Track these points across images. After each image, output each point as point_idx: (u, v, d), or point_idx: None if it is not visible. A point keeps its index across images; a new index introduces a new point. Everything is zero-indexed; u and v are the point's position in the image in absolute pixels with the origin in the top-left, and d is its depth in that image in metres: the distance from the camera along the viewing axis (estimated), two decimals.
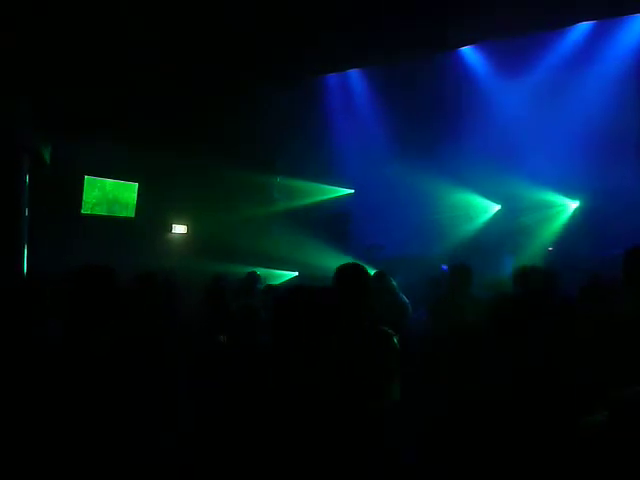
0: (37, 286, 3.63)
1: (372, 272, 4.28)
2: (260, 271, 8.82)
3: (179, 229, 10.44)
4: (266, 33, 7.39)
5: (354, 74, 10.62)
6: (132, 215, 9.64)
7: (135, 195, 9.64)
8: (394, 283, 5.10)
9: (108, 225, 9.17)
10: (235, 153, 9.47)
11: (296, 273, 9.87)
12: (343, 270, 2.73)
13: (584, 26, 8.45)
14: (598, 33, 8.34)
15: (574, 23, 8.38)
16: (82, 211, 9.06)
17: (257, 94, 9.54)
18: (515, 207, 9.13)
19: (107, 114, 8.03)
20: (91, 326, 2.14)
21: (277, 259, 9.62)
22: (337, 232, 10.29)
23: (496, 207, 9.54)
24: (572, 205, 8.83)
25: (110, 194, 9.39)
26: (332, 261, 8.85)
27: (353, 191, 10.86)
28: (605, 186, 8.15)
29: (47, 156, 7.92)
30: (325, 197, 10.85)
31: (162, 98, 8.50)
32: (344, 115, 10.56)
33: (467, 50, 9.42)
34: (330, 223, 10.51)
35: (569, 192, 8.72)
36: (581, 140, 8.16)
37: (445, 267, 8.22)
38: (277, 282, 8.85)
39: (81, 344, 2.11)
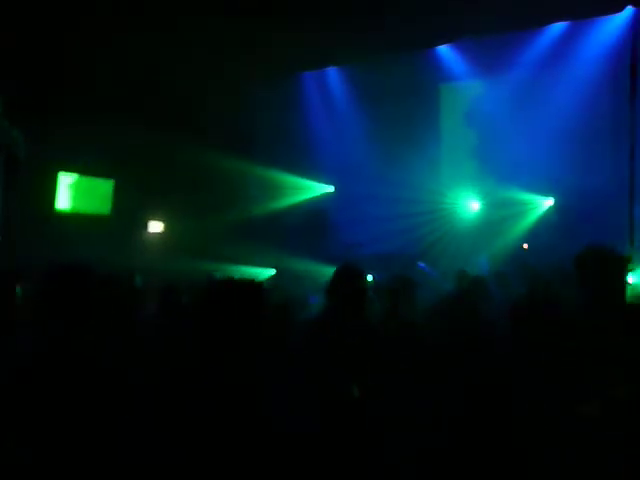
0: (11, 285, 3.57)
1: None
2: (237, 269, 8.80)
3: (155, 227, 10.33)
4: (249, 32, 7.39)
5: (331, 72, 10.63)
6: (108, 212, 9.51)
7: (111, 192, 9.51)
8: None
9: (83, 222, 9.03)
10: (213, 149, 9.40)
11: (273, 271, 9.85)
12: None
13: (559, 26, 8.57)
14: (572, 33, 8.46)
15: (548, 23, 8.50)
16: (55, 208, 8.91)
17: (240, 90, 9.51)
18: (491, 204, 9.23)
19: (82, 109, 7.91)
20: (73, 325, 2.11)
21: (254, 257, 9.58)
22: (315, 229, 10.28)
23: (475, 204, 9.61)
24: (546, 203, 8.94)
25: (85, 191, 9.25)
26: (310, 258, 8.87)
27: (333, 189, 10.87)
28: (579, 184, 8.28)
29: (22, 153, 7.76)
30: (305, 196, 10.85)
31: (138, 94, 8.41)
32: (323, 112, 10.56)
33: (444, 49, 9.48)
34: (308, 220, 10.49)
35: (544, 190, 8.83)
36: (556, 138, 8.27)
37: (422, 265, 8.29)
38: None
39: (65, 344, 2.08)
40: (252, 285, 2.05)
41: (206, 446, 1.80)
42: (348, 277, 2.76)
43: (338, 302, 2.67)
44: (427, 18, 7.61)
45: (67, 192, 9.05)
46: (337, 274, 2.78)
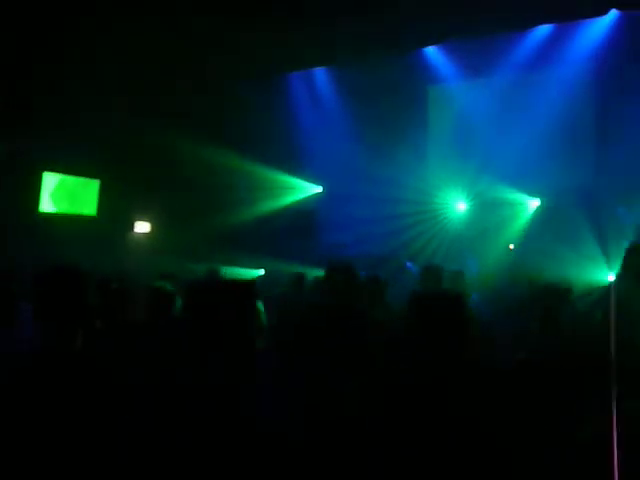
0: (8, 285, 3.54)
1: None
2: (225, 270, 8.75)
3: (142, 227, 10.24)
4: (237, 32, 7.37)
5: (319, 72, 10.64)
6: (94, 213, 9.43)
7: (97, 192, 9.43)
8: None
9: (68, 223, 8.94)
10: (200, 149, 9.35)
11: (262, 271, 9.82)
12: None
13: (544, 28, 8.66)
14: (558, 35, 8.56)
15: (534, 25, 8.59)
16: (40, 209, 8.80)
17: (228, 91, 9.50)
18: (479, 205, 9.30)
19: (67, 109, 7.83)
20: (68, 328, 2.10)
21: (241, 257, 9.55)
22: (302, 230, 10.27)
23: (463, 205, 9.68)
24: (533, 203, 9.02)
25: (70, 191, 9.16)
26: (296, 259, 8.85)
27: (321, 189, 10.88)
28: (565, 184, 8.38)
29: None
30: (293, 197, 10.86)
31: (124, 94, 8.35)
32: (311, 112, 10.56)
33: (431, 50, 9.54)
34: (295, 221, 10.48)
35: (530, 190, 8.91)
36: (542, 139, 8.36)
37: (409, 264, 8.31)
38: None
39: (62, 347, 2.07)
40: (245, 285, 2.04)
41: (202, 446, 1.79)
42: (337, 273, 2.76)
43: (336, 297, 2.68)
44: (414, 19, 7.65)
45: (52, 192, 8.95)
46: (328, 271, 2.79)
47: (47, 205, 8.91)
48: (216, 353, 1.90)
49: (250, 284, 2.06)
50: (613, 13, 8.14)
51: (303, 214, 10.62)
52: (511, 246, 8.82)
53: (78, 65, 7.62)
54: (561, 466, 1.76)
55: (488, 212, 8.99)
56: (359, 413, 1.89)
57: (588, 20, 8.34)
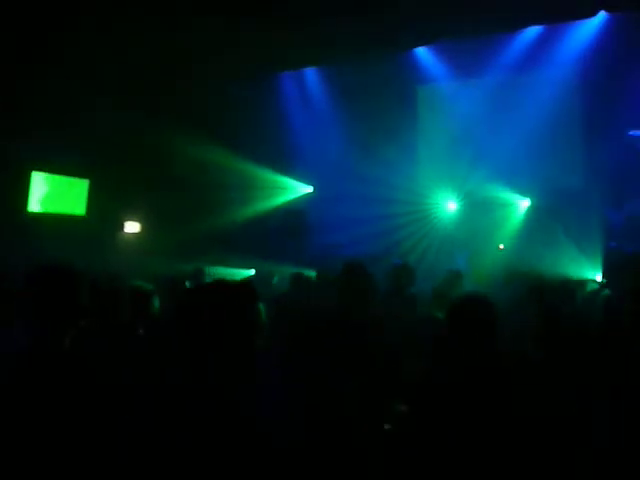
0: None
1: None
2: (215, 270, 8.72)
3: (131, 227, 10.17)
4: (229, 31, 7.35)
5: (310, 72, 10.64)
6: (83, 213, 9.35)
7: (86, 192, 9.36)
8: None
9: (57, 223, 8.85)
10: (190, 149, 9.31)
11: (253, 271, 9.80)
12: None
13: (534, 30, 8.73)
14: (547, 36, 8.62)
15: (524, 26, 8.65)
16: (28, 209, 8.72)
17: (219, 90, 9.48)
18: (469, 205, 9.34)
19: (56, 107, 7.77)
20: (61, 327, 2.08)
21: (233, 257, 9.52)
22: (294, 230, 10.26)
23: (453, 204, 9.72)
24: (523, 203, 9.09)
25: (59, 191, 9.08)
26: (288, 259, 8.84)
27: (312, 189, 10.87)
28: (555, 185, 8.44)
29: None
30: (284, 198, 10.85)
31: (115, 92, 8.30)
32: (302, 113, 10.55)
33: (421, 51, 9.58)
34: (287, 221, 10.47)
35: (520, 190, 8.97)
36: (531, 140, 8.42)
37: (399, 262, 8.32)
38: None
39: (56, 346, 2.05)
40: (246, 286, 2.04)
41: (201, 446, 1.78)
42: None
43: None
44: (405, 20, 7.67)
45: (41, 192, 8.87)
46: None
47: (36, 205, 8.83)
48: (216, 353, 1.89)
49: (250, 285, 2.05)
50: (602, 15, 8.21)
51: (294, 214, 10.62)
52: (501, 246, 8.87)
53: (68, 64, 7.56)
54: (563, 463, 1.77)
55: (478, 212, 9.04)
56: (359, 413, 1.89)
57: (577, 22, 8.41)
